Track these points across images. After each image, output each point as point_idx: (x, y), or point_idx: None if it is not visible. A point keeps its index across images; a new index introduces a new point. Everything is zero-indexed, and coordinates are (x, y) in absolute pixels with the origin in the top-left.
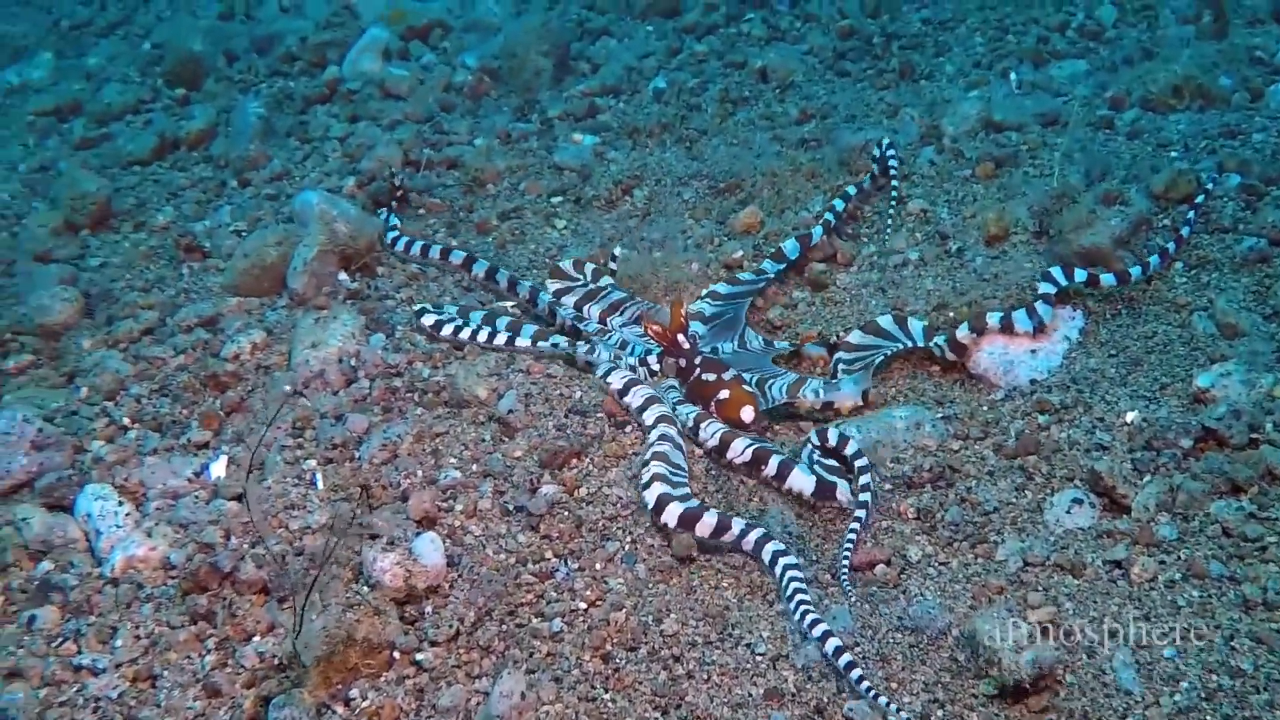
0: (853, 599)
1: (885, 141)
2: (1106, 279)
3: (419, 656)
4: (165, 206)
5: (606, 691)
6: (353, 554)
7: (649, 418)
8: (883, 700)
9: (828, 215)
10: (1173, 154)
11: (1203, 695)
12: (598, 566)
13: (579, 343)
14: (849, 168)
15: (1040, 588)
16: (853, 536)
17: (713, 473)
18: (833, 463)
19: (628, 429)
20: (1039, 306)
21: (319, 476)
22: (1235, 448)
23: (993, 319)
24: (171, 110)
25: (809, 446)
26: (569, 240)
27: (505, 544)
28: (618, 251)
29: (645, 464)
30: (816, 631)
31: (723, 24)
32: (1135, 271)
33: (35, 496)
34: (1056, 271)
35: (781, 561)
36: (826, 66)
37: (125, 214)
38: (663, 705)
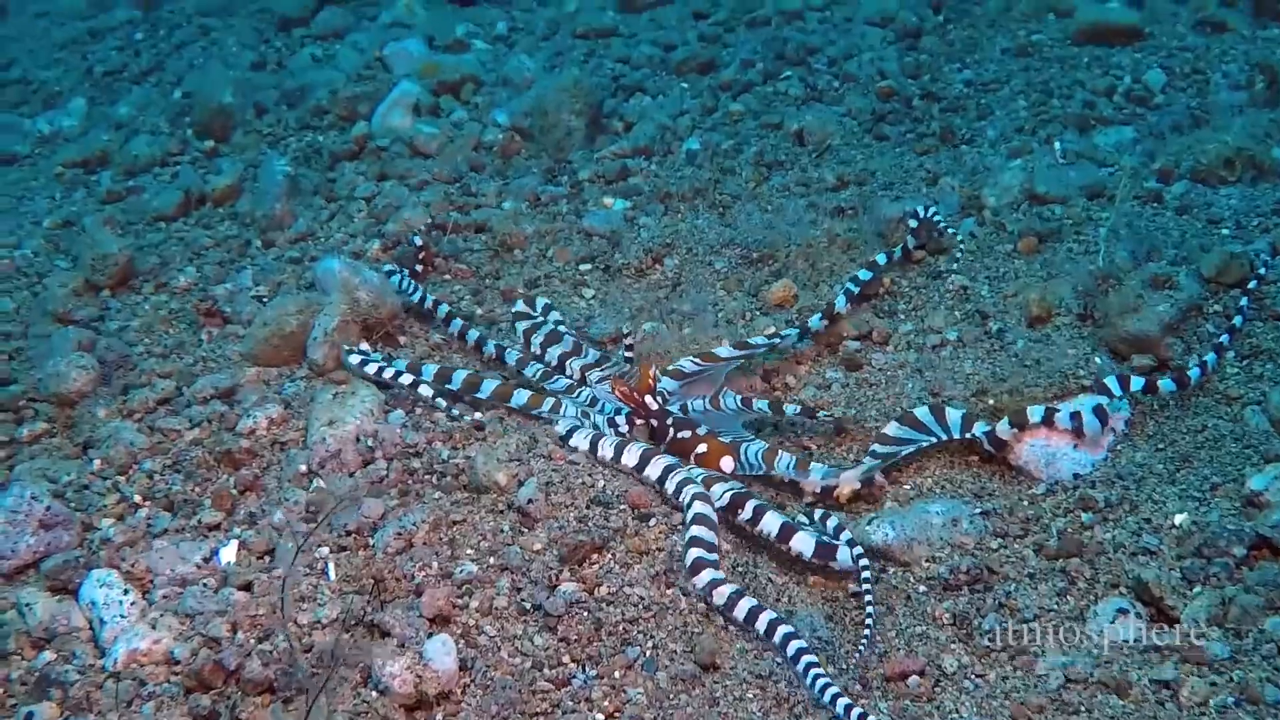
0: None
1: (929, 207)
2: (1165, 385)
3: None
4: (188, 266)
5: None
6: (363, 655)
7: (681, 492)
8: None
9: (849, 285)
10: (1224, 231)
11: None
12: (617, 674)
13: (545, 399)
14: (887, 240)
15: (1084, 709)
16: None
17: (739, 569)
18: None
19: (651, 522)
20: (1086, 419)
21: (331, 566)
22: None
23: (1035, 415)
24: (199, 163)
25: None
26: (596, 310)
27: (521, 646)
28: (646, 327)
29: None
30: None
31: (759, 82)
32: (1194, 374)
33: (41, 579)
34: (1111, 382)
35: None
36: (865, 130)
37: (147, 274)
38: None
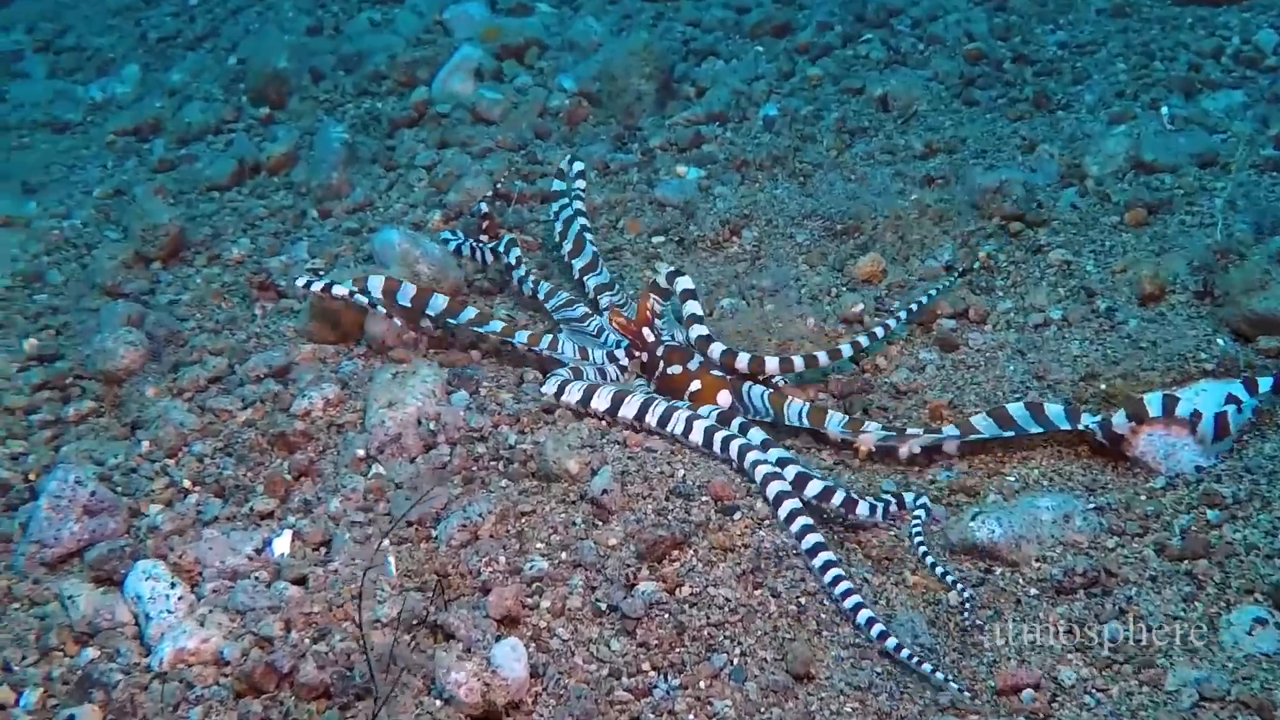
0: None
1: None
2: None
3: None
4: (241, 238)
5: None
6: (425, 658)
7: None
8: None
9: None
10: None
11: None
12: (702, 684)
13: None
14: (982, 211)
15: None
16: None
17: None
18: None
19: (736, 516)
20: (1203, 419)
21: (391, 560)
22: None
23: (1153, 406)
24: (254, 130)
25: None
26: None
27: (597, 651)
28: (724, 303)
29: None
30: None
31: (838, 45)
32: None
33: (84, 569)
34: (1238, 389)
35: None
36: (953, 94)
37: (199, 245)
38: None
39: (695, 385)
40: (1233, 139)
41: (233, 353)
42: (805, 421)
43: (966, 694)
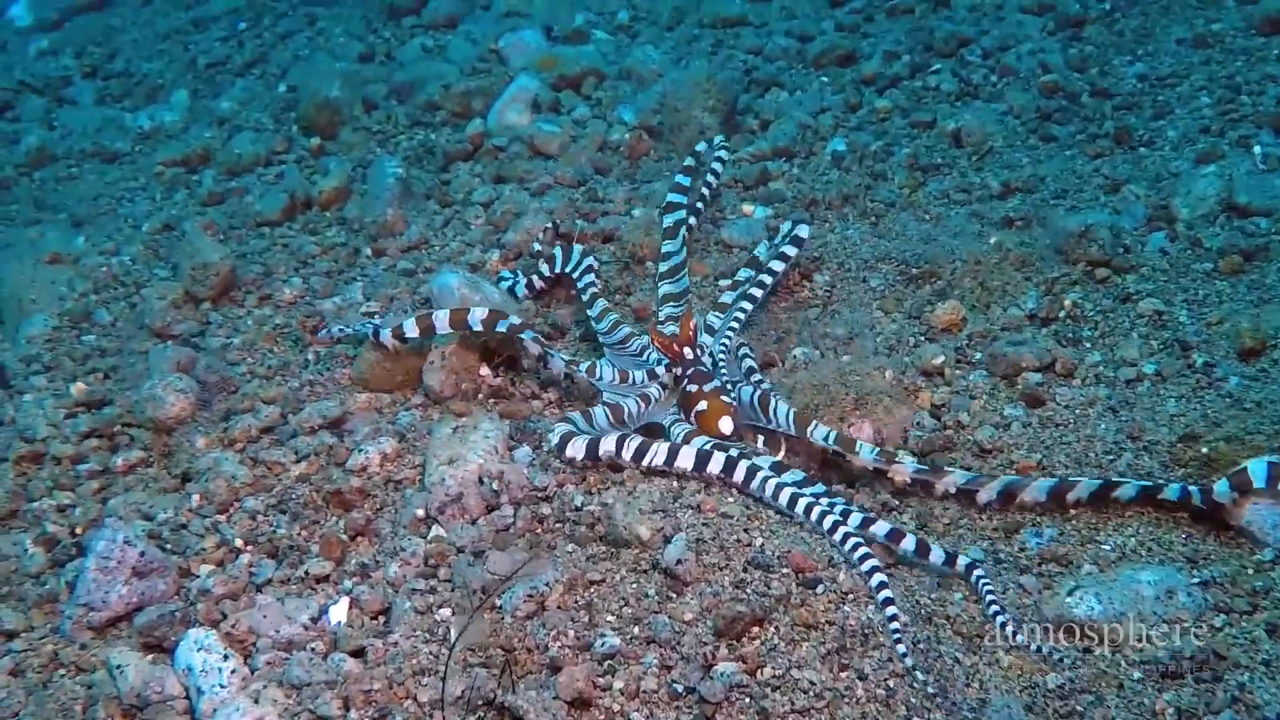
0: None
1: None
2: None
3: None
4: (293, 277)
5: None
6: None
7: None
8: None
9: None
10: None
11: None
12: None
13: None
14: (1066, 256)
15: None
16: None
17: (919, 645)
18: None
19: (819, 590)
20: None
21: (454, 631)
22: None
23: (1258, 474)
24: (304, 161)
25: None
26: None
27: None
28: (797, 353)
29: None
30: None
31: (907, 75)
32: None
33: (134, 634)
34: None
35: None
36: (1029, 130)
37: (250, 284)
38: None
39: (702, 405)
40: None
41: (285, 401)
42: (832, 444)
43: None
